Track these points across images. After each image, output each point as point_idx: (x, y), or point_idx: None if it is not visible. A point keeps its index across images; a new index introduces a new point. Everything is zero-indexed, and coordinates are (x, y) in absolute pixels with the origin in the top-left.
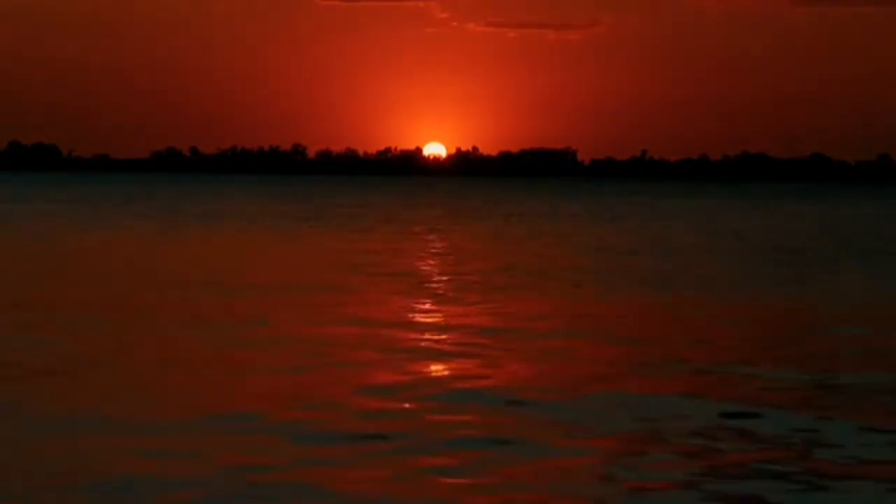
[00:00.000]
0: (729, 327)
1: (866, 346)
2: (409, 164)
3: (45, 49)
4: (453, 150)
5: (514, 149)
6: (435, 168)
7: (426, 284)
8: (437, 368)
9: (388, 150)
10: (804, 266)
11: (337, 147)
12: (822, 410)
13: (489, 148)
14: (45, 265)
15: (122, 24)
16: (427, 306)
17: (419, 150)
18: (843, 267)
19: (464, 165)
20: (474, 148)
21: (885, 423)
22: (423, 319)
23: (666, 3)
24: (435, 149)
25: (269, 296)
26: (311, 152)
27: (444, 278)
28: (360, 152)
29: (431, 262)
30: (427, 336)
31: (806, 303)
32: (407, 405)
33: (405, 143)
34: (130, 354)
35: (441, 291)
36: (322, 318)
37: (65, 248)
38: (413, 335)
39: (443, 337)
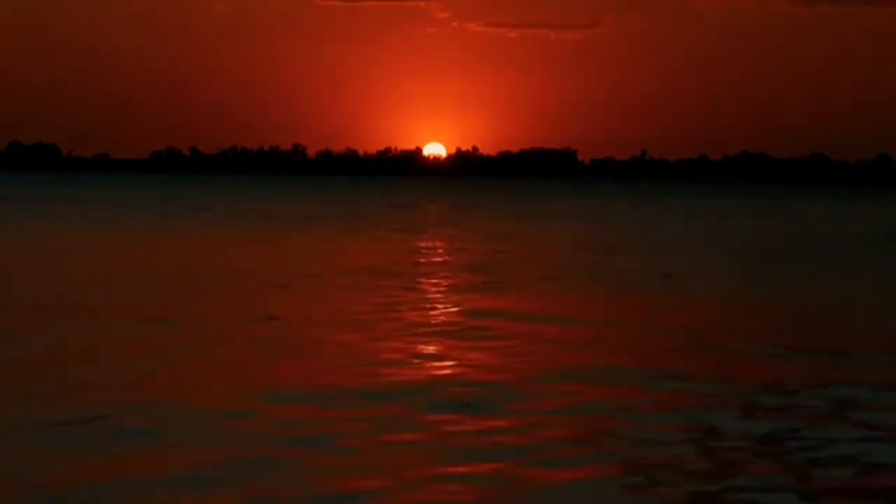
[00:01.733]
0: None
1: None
2: (409, 164)
3: (44, 49)
4: (453, 150)
5: (514, 149)
6: (435, 168)
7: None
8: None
9: (388, 150)
10: (775, 266)
11: (337, 147)
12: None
13: (489, 148)
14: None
15: (122, 24)
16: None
17: (419, 150)
18: (814, 268)
19: (464, 165)
20: (474, 148)
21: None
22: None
23: (666, 4)
24: (435, 149)
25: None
26: (311, 152)
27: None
28: (360, 152)
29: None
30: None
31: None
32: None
33: (405, 143)
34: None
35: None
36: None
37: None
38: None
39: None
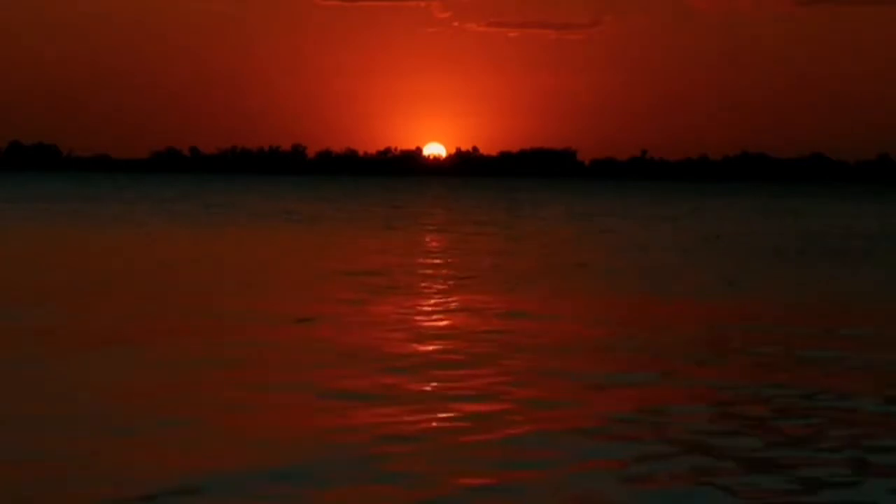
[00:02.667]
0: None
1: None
2: (409, 164)
3: (45, 49)
4: (453, 150)
5: (514, 149)
6: (435, 168)
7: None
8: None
9: (388, 150)
10: (775, 265)
11: (337, 147)
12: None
13: (489, 148)
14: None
15: (122, 24)
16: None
17: (419, 150)
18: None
19: (464, 165)
20: (474, 148)
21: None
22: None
23: (667, 3)
24: (435, 149)
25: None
26: (311, 152)
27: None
28: (360, 152)
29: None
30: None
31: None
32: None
33: (405, 143)
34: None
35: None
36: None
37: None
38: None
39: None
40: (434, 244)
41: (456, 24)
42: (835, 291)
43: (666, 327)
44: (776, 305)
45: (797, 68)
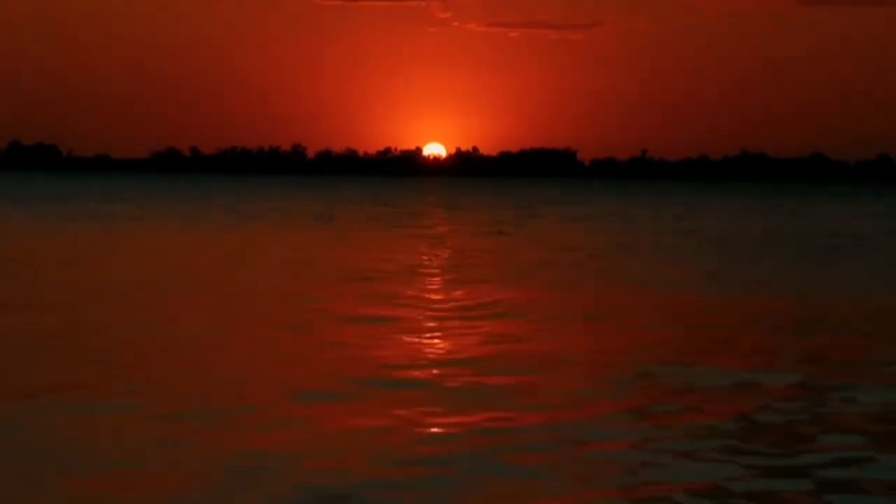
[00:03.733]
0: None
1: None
2: (409, 164)
3: (45, 49)
4: (453, 150)
5: (514, 149)
6: (435, 168)
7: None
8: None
9: (388, 150)
10: (772, 264)
11: (337, 147)
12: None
13: (489, 148)
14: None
15: (122, 24)
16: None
17: (419, 150)
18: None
19: (464, 165)
20: (474, 148)
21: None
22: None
23: (668, 4)
24: (435, 149)
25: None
26: (311, 152)
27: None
28: (360, 152)
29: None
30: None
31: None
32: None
33: (405, 143)
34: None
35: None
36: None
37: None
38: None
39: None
40: (440, 245)
41: (456, 24)
42: (819, 289)
43: (640, 318)
44: (754, 303)
45: (797, 68)
